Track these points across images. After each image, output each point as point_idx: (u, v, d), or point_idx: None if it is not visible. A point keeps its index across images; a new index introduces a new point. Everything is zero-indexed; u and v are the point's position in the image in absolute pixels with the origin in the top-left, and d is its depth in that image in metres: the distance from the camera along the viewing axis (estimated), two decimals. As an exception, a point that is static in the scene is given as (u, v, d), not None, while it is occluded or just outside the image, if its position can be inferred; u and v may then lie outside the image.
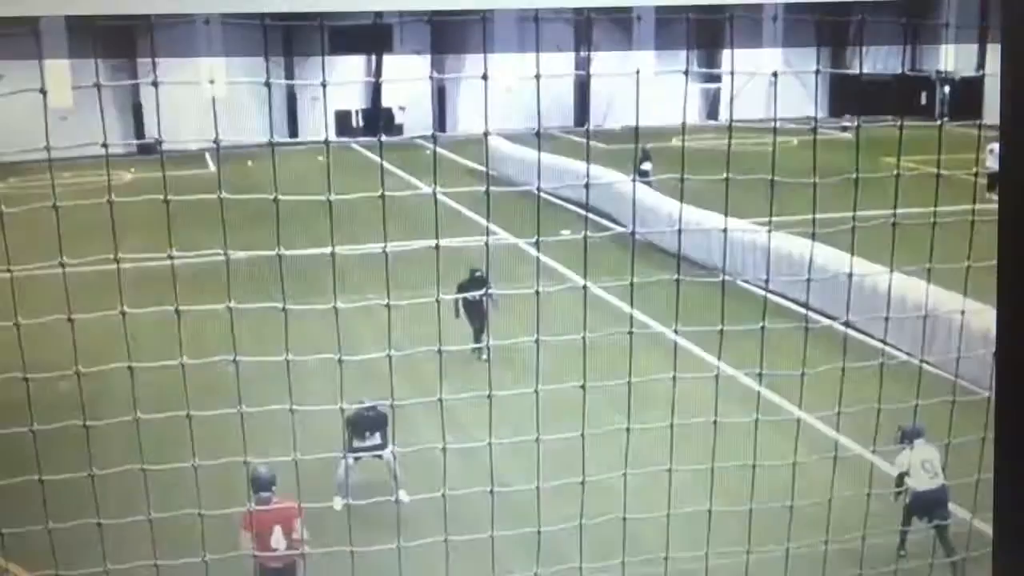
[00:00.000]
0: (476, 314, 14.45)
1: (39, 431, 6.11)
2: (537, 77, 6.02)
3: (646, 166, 21.94)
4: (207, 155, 25.37)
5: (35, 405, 6.06)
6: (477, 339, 14.00)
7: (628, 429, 6.72)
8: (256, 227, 6.96)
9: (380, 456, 10.34)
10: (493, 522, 6.47)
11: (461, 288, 14.13)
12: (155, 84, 6.15)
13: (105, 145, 6.43)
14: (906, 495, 9.84)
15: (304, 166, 9.14)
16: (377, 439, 10.67)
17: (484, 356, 11.86)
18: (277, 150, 8.20)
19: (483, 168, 18.76)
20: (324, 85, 6.73)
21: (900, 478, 9.82)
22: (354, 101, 40.11)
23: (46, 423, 6.14)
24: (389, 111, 39.95)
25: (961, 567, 8.64)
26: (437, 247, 6.25)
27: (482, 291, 13.58)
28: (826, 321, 9.31)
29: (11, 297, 6.12)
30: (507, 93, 7.86)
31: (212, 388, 6.39)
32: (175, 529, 6.54)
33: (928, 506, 9.70)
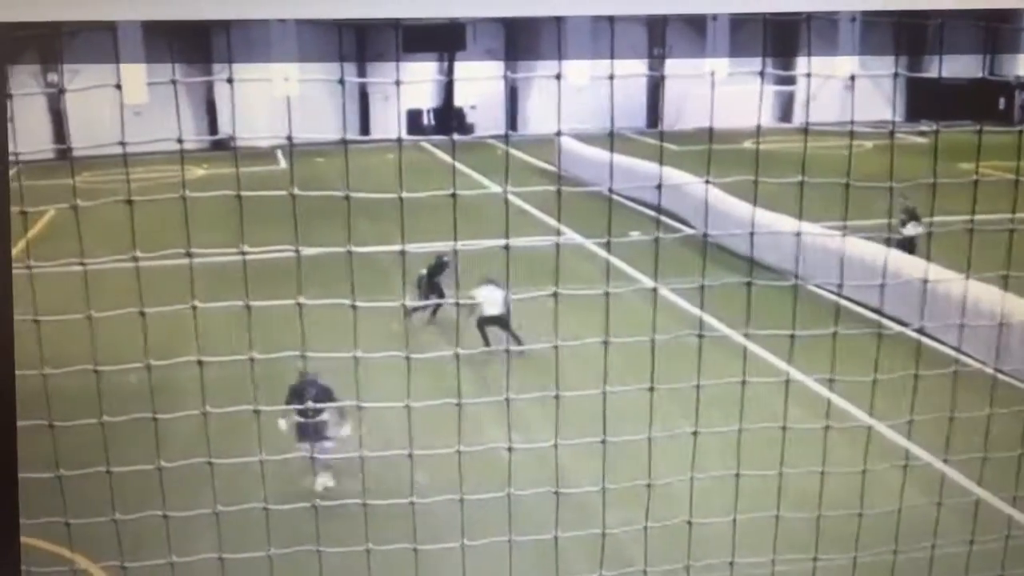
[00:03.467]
0: (435, 294, 17.29)
1: (107, 423, 6.17)
2: (611, 78, 5.99)
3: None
4: (278, 152, 25.57)
5: (104, 397, 6.12)
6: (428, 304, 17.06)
7: (695, 433, 6.66)
8: (326, 224, 6.98)
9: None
10: (557, 524, 6.45)
11: (429, 271, 16.80)
12: (230, 81, 6.18)
13: (180, 141, 6.47)
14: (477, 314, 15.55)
15: (375, 164, 9.16)
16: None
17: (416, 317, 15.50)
18: (350, 147, 8.23)
19: (552, 168, 18.74)
20: (398, 84, 6.73)
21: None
22: (426, 100, 40.23)
23: (114, 415, 6.20)
24: (460, 110, 40.04)
25: None
26: (507, 247, 6.23)
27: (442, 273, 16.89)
28: (899, 327, 9.18)
29: (83, 290, 6.18)
30: (579, 93, 7.85)
31: (282, 383, 6.42)
32: (240, 522, 6.58)
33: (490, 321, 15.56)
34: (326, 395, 11.59)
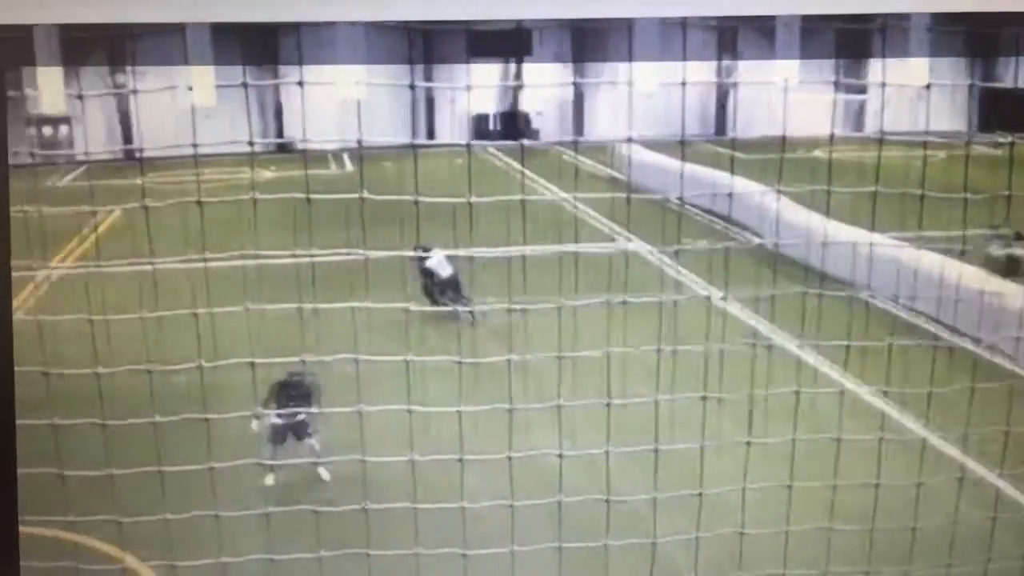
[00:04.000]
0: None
1: (159, 422, 6.22)
2: (683, 84, 5.95)
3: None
4: (344, 155, 25.67)
5: (157, 397, 6.17)
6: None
7: (748, 443, 6.59)
8: (392, 227, 6.98)
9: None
10: (608, 531, 6.41)
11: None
12: (300, 84, 6.19)
13: (251, 143, 6.50)
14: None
15: (440, 168, 9.15)
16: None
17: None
18: (421, 152, 8.23)
19: (617, 174, 18.66)
20: (468, 88, 6.72)
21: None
22: (491, 105, 40.18)
23: (168, 415, 6.24)
24: (526, 116, 39.97)
25: None
26: (576, 254, 6.20)
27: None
28: (960, 341, 9.04)
29: (148, 289, 6.23)
30: (645, 99, 7.78)
31: (339, 385, 6.42)
32: (290, 523, 6.60)
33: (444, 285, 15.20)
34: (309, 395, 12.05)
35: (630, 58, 5.86)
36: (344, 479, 7.03)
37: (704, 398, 6.33)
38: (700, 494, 6.41)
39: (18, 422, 6.09)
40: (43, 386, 6.22)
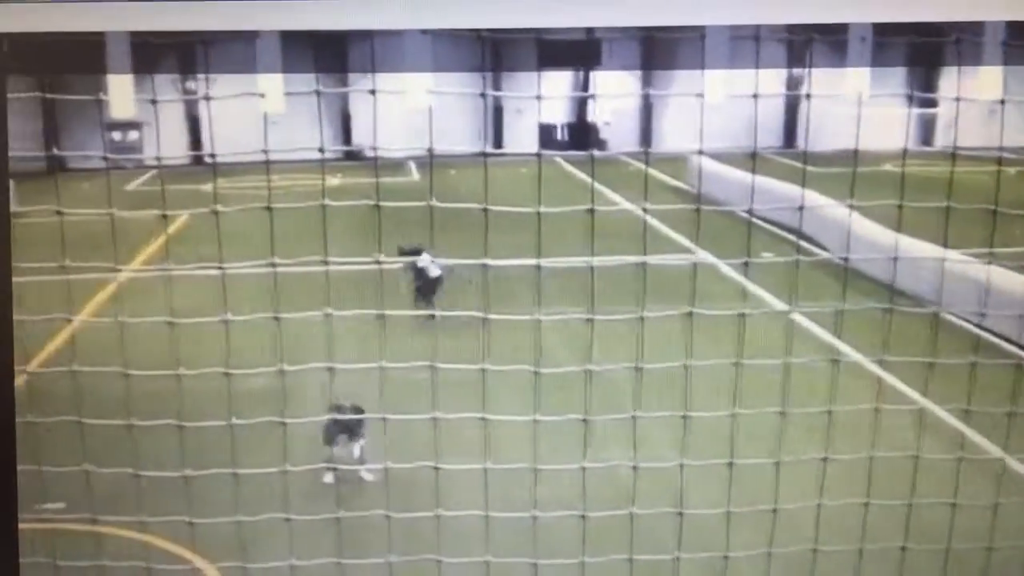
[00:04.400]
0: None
1: (236, 425, 6.26)
2: (755, 97, 5.92)
3: None
4: (411, 163, 25.80)
5: (232, 400, 6.21)
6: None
7: (825, 459, 6.53)
8: (459, 236, 6.99)
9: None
10: (680, 544, 6.37)
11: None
12: (372, 92, 6.22)
13: (322, 150, 6.54)
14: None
15: (508, 177, 9.16)
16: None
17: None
18: (481, 161, 8.21)
19: (685, 186, 18.63)
20: (539, 98, 6.72)
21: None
22: (559, 115, 40.20)
23: (244, 418, 6.29)
24: (594, 126, 39.94)
25: None
26: (644, 265, 6.18)
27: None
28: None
29: (214, 294, 6.28)
30: (714, 111, 7.75)
31: (411, 392, 6.44)
32: (364, 525, 6.62)
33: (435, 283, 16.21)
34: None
35: (702, 67, 5.83)
36: (407, 485, 7.01)
37: (782, 413, 6.28)
38: (775, 510, 6.37)
39: (95, 423, 6.17)
40: (121, 387, 6.30)
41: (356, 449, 12.45)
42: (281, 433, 6.30)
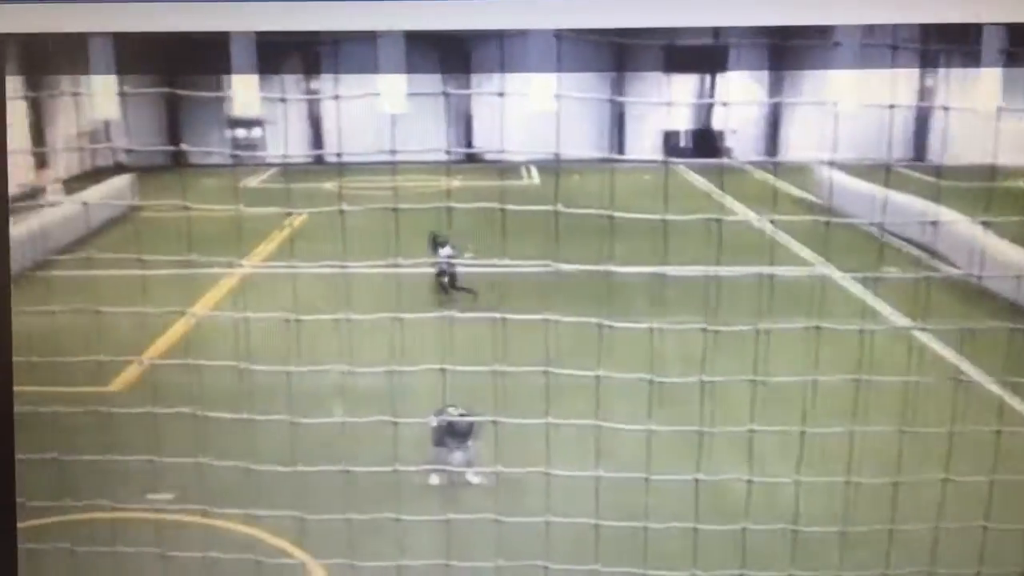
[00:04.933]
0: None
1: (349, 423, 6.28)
2: (891, 107, 5.77)
3: None
4: (532, 166, 25.78)
5: (346, 397, 6.23)
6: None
7: (945, 480, 6.36)
8: (581, 241, 6.93)
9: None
10: (793, 561, 6.25)
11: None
12: (500, 95, 6.18)
13: (448, 152, 6.52)
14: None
15: (629, 184, 9.08)
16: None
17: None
18: (602, 166, 8.13)
19: (811, 197, 18.27)
20: (669, 104, 6.62)
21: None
22: (682, 121, 39.86)
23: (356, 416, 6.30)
24: (719, 133, 39.58)
25: None
26: (771, 276, 6.06)
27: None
28: None
29: (339, 292, 6.29)
30: (844, 121, 7.59)
31: (525, 396, 6.40)
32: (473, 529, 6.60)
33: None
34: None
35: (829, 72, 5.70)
36: (515, 488, 6.97)
37: (902, 431, 6.12)
38: (891, 531, 6.22)
39: (211, 415, 6.23)
40: (236, 381, 6.35)
41: (465, 452, 12.47)
42: (390, 433, 6.29)
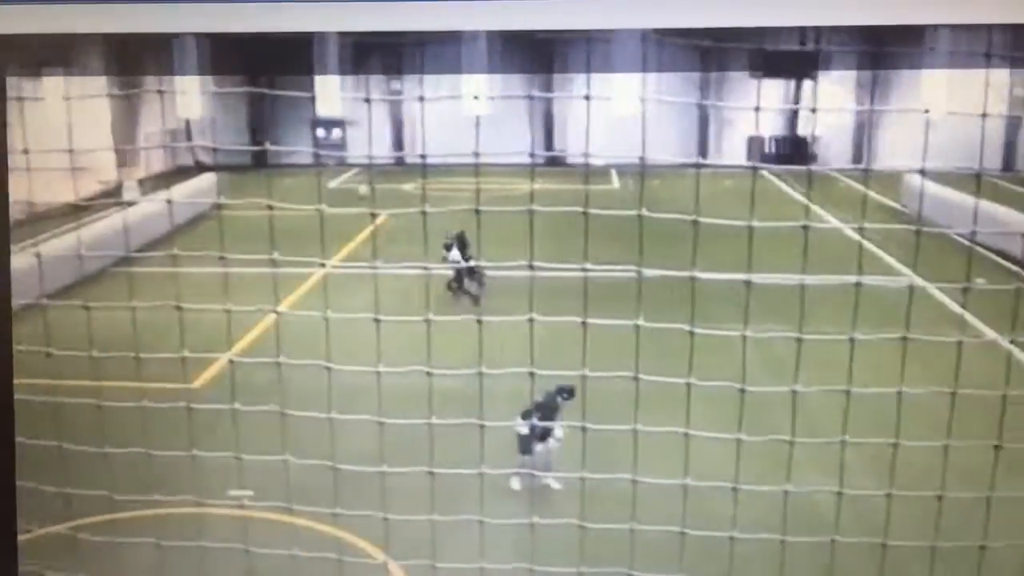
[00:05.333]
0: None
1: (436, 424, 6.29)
2: (983, 116, 5.66)
3: None
4: (612, 171, 25.69)
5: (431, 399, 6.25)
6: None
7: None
8: (664, 247, 6.90)
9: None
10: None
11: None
12: (587, 98, 6.15)
13: (532, 155, 6.50)
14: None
15: (710, 189, 9.02)
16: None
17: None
18: (684, 171, 8.09)
19: (897, 205, 18.06)
20: (757, 110, 6.57)
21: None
22: (768, 127, 39.49)
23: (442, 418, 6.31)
24: (804, 140, 39.24)
25: None
26: (858, 284, 5.98)
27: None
28: None
29: (421, 292, 6.31)
30: (932, 128, 7.47)
31: (610, 402, 6.37)
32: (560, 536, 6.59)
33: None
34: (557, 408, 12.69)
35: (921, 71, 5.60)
36: (594, 496, 6.93)
37: (997, 447, 6.00)
38: (982, 547, 6.11)
39: (299, 414, 6.27)
40: (323, 380, 6.39)
41: (547, 456, 12.42)
42: (476, 435, 6.28)
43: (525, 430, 12.20)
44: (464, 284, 19.13)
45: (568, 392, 11.98)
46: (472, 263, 18.66)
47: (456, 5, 4.57)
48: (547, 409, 12.27)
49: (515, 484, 11.71)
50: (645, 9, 4.63)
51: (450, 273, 18.60)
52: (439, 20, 4.63)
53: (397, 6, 4.56)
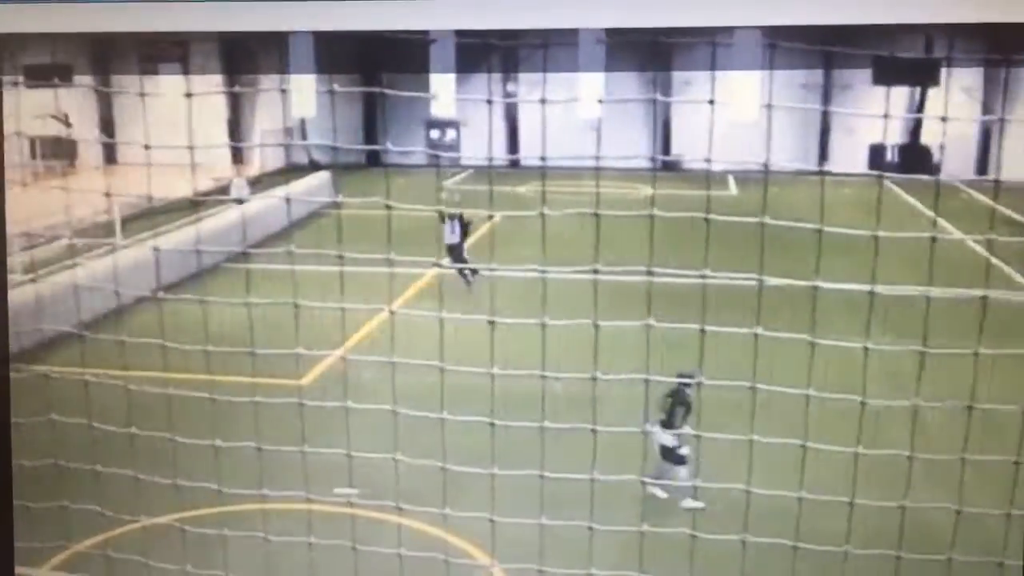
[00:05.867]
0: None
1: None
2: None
3: None
4: (730, 177, 25.42)
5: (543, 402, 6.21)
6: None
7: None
8: (782, 255, 6.77)
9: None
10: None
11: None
12: (711, 103, 6.05)
13: (653, 159, 6.42)
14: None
15: (831, 197, 8.86)
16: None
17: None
18: (802, 179, 7.93)
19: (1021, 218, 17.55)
20: (885, 117, 6.41)
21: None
22: (890, 135, 38.73)
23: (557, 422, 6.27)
24: (927, 149, 38.49)
25: None
26: (985, 298, 5.81)
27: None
28: None
29: (534, 296, 6.27)
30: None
31: (730, 412, 6.28)
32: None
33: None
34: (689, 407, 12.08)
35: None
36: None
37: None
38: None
39: (412, 413, 6.26)
40: (437, 379, 6.37)
41: (683, 472, 11.93)
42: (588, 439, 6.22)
43: (670, 440, 11.82)
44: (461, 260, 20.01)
45: (688, 376, 11.46)
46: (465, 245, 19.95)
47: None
48: (682, 406, 11.86)
49: (660, 493, 11.40)
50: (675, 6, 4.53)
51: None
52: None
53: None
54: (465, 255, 19.47)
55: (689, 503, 11.06)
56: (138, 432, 6.68)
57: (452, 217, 19.90)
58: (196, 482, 6.67)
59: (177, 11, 4.59)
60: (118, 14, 4.63)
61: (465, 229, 20.21)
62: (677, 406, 11.76)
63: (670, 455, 11.74)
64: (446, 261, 19.52)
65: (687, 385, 11.51)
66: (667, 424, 11.67)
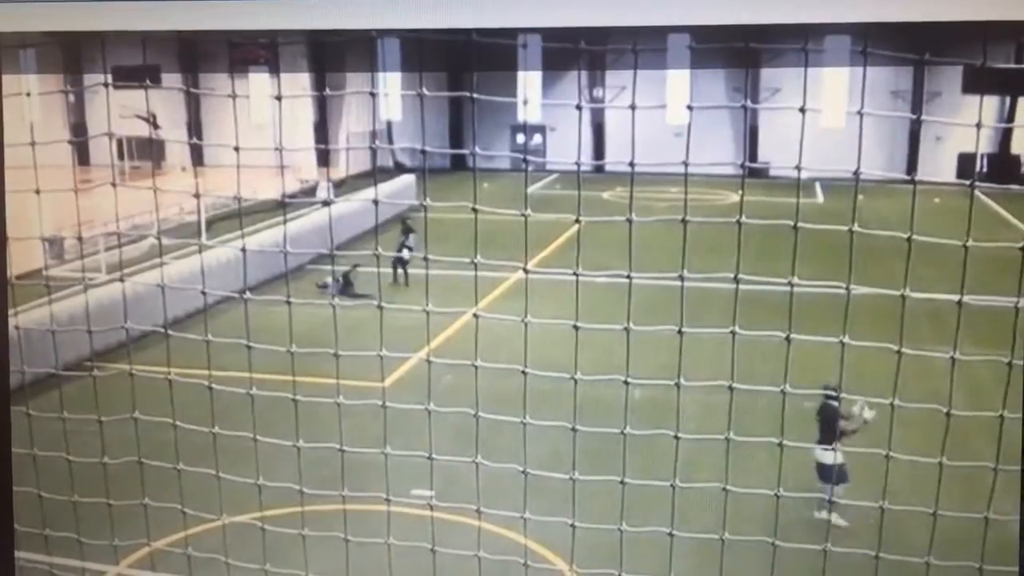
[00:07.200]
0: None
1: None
2: None
3: None
4: (816, 184, 25.20)
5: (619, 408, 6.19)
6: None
7: None
8: (866, 264, 6.68)
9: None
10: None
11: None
12: (802, 110, 5.98)
13: (744, 166, 6.37)
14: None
15: (920, 207, 8.73)
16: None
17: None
18: (891, 188, 7.80)
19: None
20: (979, 127, 6.29)
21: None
22: (981, 144, 38.13)
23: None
24: (1018, 158, 37.83)
25: None
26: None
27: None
28: None
29: (616, 302, 6.24)
30: None
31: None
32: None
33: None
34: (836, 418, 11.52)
35: None
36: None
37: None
38: None
39: (494, 417, 6.26)
40: (518, 383, 6.37)
41: (840, 490, 11.39)
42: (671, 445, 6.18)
43: (829, 458, 11.29)
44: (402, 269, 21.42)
45: (833, 389, 11.00)
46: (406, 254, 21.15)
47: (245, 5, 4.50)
48: (832, 421, 11.35)
49: (824, 515, 11.03)
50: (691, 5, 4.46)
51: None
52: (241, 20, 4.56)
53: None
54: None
55: (835, 519, 10.83)
56: (220, 431, 6.75)
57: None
58: (277, 482, 6.73)
59: (260, 10, 4.64)
60: (189, 13, 4.69)
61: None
62: (827, 422, 11.45)
63: (828, 473, 11.34)
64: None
65: (833, 398, 11.07)
66: (823, 440, 11.26)
